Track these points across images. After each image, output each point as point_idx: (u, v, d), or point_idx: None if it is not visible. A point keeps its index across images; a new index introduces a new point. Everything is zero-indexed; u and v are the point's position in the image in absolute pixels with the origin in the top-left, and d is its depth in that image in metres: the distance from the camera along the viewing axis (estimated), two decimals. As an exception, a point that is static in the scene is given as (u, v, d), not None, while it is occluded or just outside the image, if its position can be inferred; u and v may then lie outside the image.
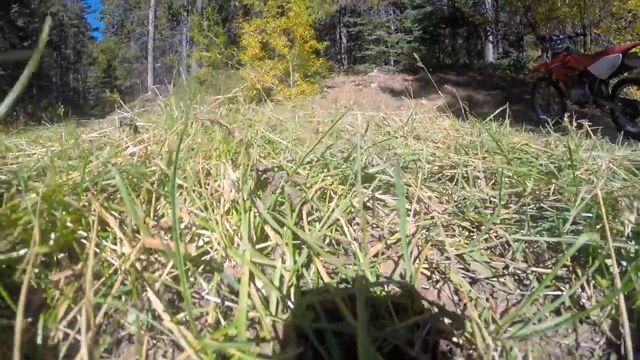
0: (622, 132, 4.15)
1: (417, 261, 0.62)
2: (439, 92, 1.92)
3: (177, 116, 1.09)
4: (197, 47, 17.19)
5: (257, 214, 0.62)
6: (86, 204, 0.67)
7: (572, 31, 11.26)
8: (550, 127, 1.56)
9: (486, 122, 1.59)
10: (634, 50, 4.52)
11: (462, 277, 0.61)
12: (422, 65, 2.12)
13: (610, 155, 1.20)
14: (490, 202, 0.83)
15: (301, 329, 0.46)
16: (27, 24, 22.90)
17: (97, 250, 0.60)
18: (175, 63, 23.86)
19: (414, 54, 2.24)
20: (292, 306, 0.50)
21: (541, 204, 0.77)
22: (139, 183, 0.76)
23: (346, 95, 11.87)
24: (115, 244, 0.62)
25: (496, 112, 1.38)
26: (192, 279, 0.60)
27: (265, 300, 0.51)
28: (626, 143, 1.94)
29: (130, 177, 0.77)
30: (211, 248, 0.63)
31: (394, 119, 1.50)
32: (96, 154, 0.98)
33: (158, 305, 0.52)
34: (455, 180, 0.88)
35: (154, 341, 0.53)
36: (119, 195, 0.73)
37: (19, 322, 0.42)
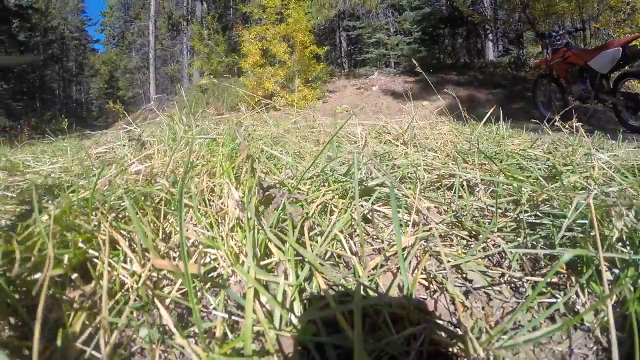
0: (623, 127, 4.12)
1: (416, 272, 0.64)
2: (438, 95, 1.95)
3: (180, 136, 1.12)
4: (198, 56, 17.30)
5: (260, 231, 0.64)
6: (96, 223, 0.70)
7: (572, 26, 11.20)
8: (549, 129, 1.57)
9: (484, 124, 1.60)
10: (634, 42, 4.50)
11: (459, 286, 0.63)
12: (422, 71, 2.15)
13: (609, 154, 1.21)
14: (488, 210, 0.85)
15: (303, 342, 0.49)
16: (28, 39, 23.17)
17: (109, 269, 0.63)
18: (177, 72, 24.05)
19: (413, 59, 2.26)
20: (294, 320, 0.52)
21: (537, 212, 0.78)
22: (145, 202, 0.79)
23: (348, 99, 11.91)
24: (125, 262, 0.65)
25: (488, 114, 1.39)
26: (199, 294, 0.63)
27: (269, 315, 0.53)
28: (627, 140, 1.95)
29: (136, 196, 0.79)
30: (218, 265, 0.65)
31: (393, 126, 1.52)
32: (102, 171, 1.00)
33: (169, 321, 0.54)
34: (454, 189, 0.90)
35: (165, 354, 0.56)
36: (127, 214, 0.76)
37: (36, 341, 0.44)
